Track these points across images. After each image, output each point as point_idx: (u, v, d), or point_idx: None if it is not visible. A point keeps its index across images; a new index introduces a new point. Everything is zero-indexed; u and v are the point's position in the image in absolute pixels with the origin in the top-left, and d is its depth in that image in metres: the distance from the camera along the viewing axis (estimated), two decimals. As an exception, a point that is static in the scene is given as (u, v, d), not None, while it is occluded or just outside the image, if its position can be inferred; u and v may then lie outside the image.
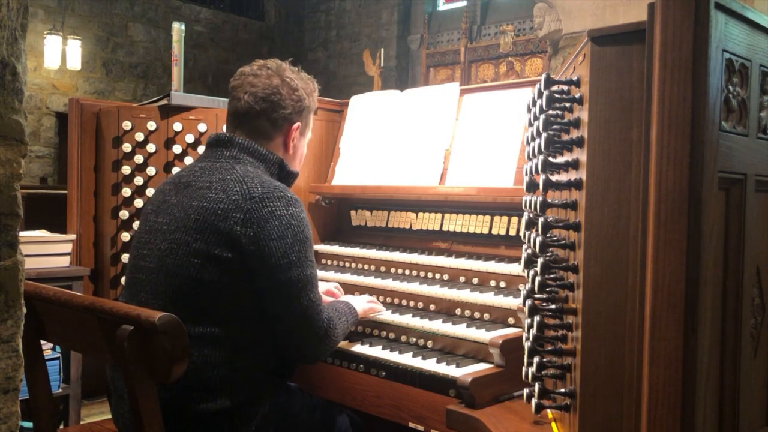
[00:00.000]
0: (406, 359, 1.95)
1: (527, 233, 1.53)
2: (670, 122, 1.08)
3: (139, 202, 2.97)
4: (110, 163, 2.98)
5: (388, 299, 2.29)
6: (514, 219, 2.23)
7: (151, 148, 2.98)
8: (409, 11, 9.55)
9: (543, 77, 1.38)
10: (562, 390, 1.34)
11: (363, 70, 8.57)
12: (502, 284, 2.12)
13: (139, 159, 2.97)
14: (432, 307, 2.19)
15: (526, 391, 1.46)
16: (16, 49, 0.96)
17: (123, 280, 2.89)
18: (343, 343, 2.09)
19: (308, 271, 1.72)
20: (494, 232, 2.28)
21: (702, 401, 1.09)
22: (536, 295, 1.39)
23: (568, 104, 1.39)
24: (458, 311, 2.11)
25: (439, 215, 2.44)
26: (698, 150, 1.07)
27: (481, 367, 1.84)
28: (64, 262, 2.98)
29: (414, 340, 2.08)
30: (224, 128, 1.93)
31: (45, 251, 2.92)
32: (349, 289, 2.36)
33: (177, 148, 3.00)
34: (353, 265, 2.57)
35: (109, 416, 1.93)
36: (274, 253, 1.66)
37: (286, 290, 1.69)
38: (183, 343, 1.35)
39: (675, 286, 1.08)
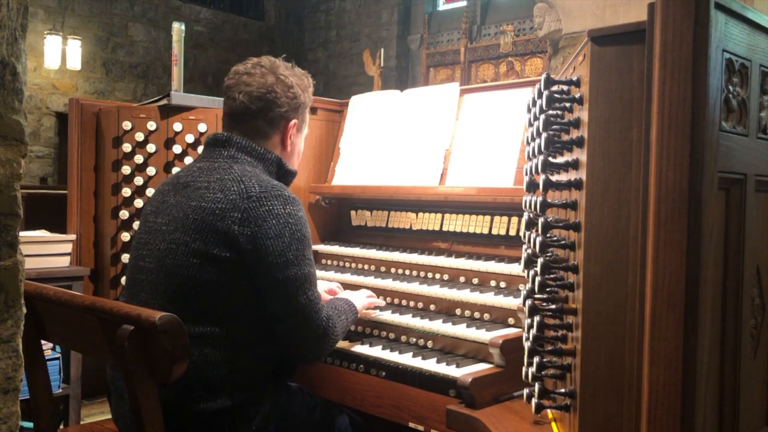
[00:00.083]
0: (406, 359, 1.95)
1: (527, 233, 1.53)
2: (670, 122, 1.08)
3: (139, 202, 2.97)
4: (110, 163, 2.98)
5: (388, 299, 2.29)
6: (514, 219, 2.23)
7: (151, 148, 2.98)
8: (409, 11, 9.55)
9: (543, 77, 1.38)
10: (562, 390, 1.34)
11: (363, 70, 8.57)
12: (502, 284, 2.12)
13: (139, 159, 2.97)
14: (432, 307, 2.19)
15: (526, 391, 1.46)
16: (16, 49, 0.96)
17: (123, 280, 2.90)
18: (343, 344, 2.09)
19: (306, 269, 1.72)
20: (494, 232, 2.28)
21: (702, 401, 1.09)
22: (536, 295, 1.39)
23: (568, 104, 1.39)
24: (458, 311, 2.11)
25: (439, 215, 2.44)
26: (698, 150, 1.07)
27: (481, 367, 1.84)
28: (64, 262, 2.98)
29: (414, 340, 2.08)
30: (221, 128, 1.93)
31: (45, 251, 2.92)
32: (349, 289, 2.35)
33: (177, 148, 3.00)
34: (353, 265, 2.57)
35: (109, 416, 1.93)
36: (272, 251, 1.66)
37: (284, 289, 1.69)
38: (183, 343, 1.35)
39: (675, 286, 1.08)
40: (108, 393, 2.02)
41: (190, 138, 2.99)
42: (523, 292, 1.49)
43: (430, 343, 2.05)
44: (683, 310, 1.07)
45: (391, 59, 9.29)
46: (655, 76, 1.09)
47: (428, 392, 1.85)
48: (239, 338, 1.68)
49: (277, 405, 1.75)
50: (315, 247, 2.63)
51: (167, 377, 1.35)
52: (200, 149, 2.97)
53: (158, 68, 9.04)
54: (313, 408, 1.87)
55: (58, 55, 7.66)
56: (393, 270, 2.42)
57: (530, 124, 1.58)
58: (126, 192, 2.95)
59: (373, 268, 2.49)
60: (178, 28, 3.17)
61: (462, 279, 2.22)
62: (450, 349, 2.00)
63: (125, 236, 2.95)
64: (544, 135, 1.37)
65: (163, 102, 3.03)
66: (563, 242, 1.36)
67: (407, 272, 2.38)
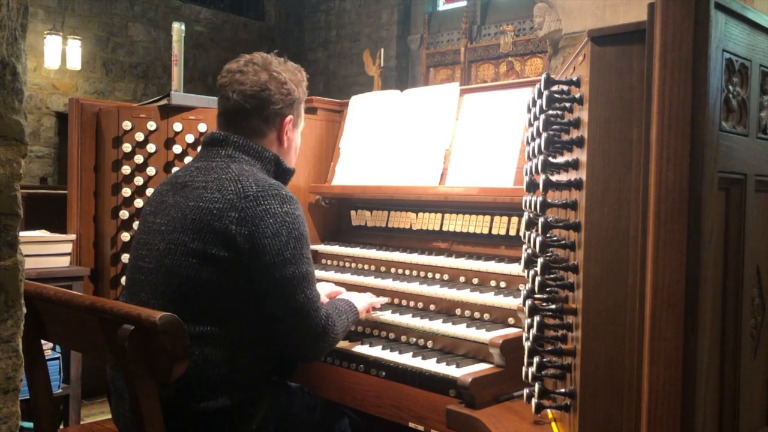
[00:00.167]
0: (406, 359, 1.95)
1: (527, 233, 1.54)
2: (670, 122, 1.08)
3: (139, 202, 2.97)
4: (110, 163, 2.98)
5: (388, 299, 2.29)
6: (514, 219, 2.23)
7: (151, 148, 2.98)
8: (409, 11, 9.55)
9: (543, 77, 1.38)
10: (562, 390, 1.34)
11: (363, 70, 8.57)
12: (502, 284, 2.12)
13: (139, 159, 2.97)
14: (432, 307, 2.19)
15: (526, 391, 1.46)
16: (16, 49, 0.96)
17: (123, 280, 2.89)
18: (343, 343, 2.09)
19: (304, 268, 1.72)
20: (494, 232, 2.28)
21: (702, 401, 1.09)
22: (536, 295, 1.39)
23: (568, 104, 1.39)
24: (458, 311, 2.11)
25: (439, 215, 2.44)
26: (698, 150, 1.07)
27: (481, 367, 1.84)
28: (64, 262, 2.98)
29: (414, 340, 2.08)
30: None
31: (45, 251, 2.92)
32: (349, 289, 2.35)
33: (177, 148, 3.00)
34: (353, 265, 2.57)
35: (109, 416, 1.93)
36: (269, 250, 1.66)
37: (282, 288, 1.69)
38: (183, 343, 1.35)
39: (675, 286, 1.08)
40: (108, 393, 2.02)
41: (190, 138, 2.99)
42: (523, 292, 1.49)
43: (430, 343, 2.05)
44: (683, 310, 1.07)
45: (391, 59, 9.30)
46: (655, 76, 1.09)
47: (428, 392, 1.85)
48: (239, 338, 1.69)
49: (276, 405, 1.75)
50: (315, 247, 2.63)
51: (167, 377, 1.35)
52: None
53: (158, 68, 9.04)
54: (313, 408, 1.87)
55: (58, 55, 7.66)
56: (393, 270, 2.42)
57: (530, 124, 1.58)
58: (126, 192, 2.95)
59: (373, 268, 2.49)
60: (178, 28, 3.17)
61: (462, 279, 2.22)
62: (450, 349, 2.00)
63: (125, 236, 2.95)
64: (544, 135, 1.37)
65: (163, 102, 3.03)
66: (563, 242, 1.36)
67: (407, 272, 2.38)
